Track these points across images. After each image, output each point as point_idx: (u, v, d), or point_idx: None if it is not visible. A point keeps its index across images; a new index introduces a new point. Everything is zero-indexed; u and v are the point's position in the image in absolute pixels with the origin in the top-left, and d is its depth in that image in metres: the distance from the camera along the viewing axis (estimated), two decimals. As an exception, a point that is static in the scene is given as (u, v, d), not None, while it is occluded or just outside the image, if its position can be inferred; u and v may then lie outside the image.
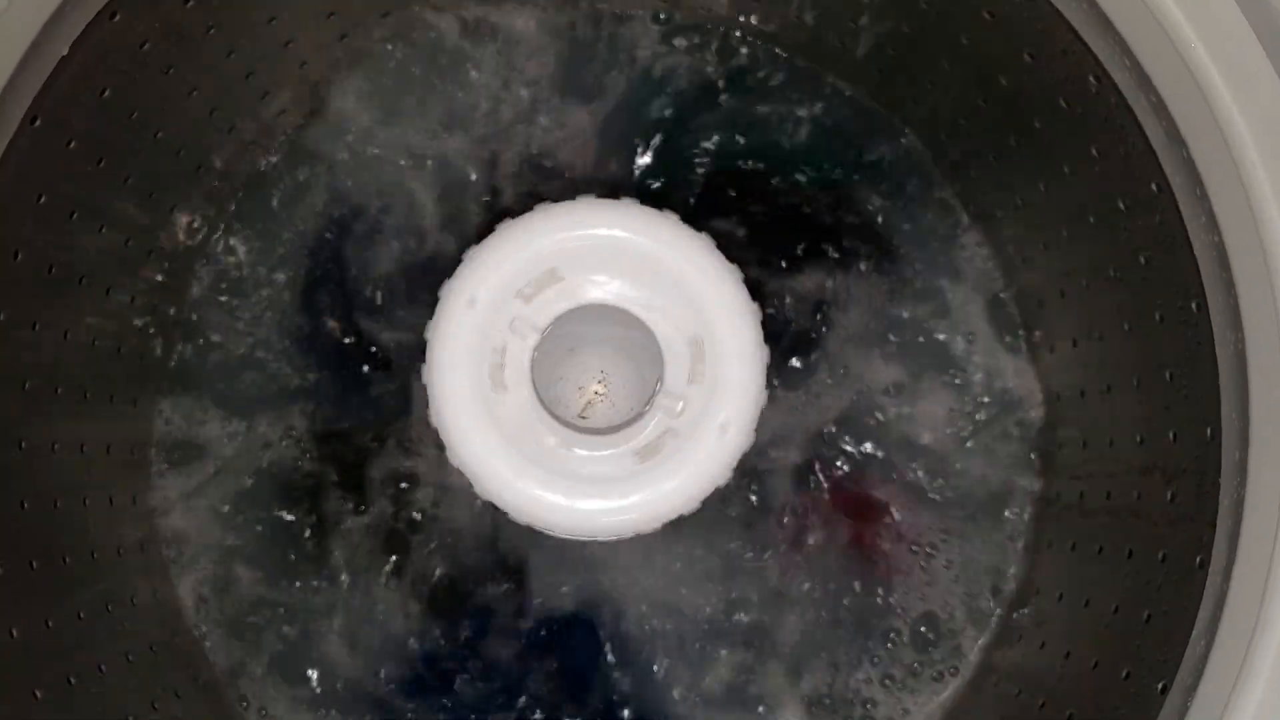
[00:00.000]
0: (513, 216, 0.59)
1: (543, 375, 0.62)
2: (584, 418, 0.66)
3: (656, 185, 0.76)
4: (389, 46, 0.77)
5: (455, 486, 0.73)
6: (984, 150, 0.72)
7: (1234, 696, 0.47)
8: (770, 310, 0.72)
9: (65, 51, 0.56)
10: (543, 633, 0.74)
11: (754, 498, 0.74)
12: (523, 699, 0.73)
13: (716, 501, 0.61)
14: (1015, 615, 0.73)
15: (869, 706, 0.74)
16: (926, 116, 0.75)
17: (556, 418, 0.59)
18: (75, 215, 0.63)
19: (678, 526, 0.60)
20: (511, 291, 0.58)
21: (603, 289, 0.59)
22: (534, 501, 0.58)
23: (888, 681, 0.74)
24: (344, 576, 0.74)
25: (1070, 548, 0.69)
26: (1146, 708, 0.53)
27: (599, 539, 0.60)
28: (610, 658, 0.73)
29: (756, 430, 0.59)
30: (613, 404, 0.67)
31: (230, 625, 0.74)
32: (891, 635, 0.74)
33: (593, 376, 0.67)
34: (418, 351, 0.60)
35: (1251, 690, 0.47)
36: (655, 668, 0.73)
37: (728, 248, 0.60)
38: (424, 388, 0.59)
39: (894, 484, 0.75)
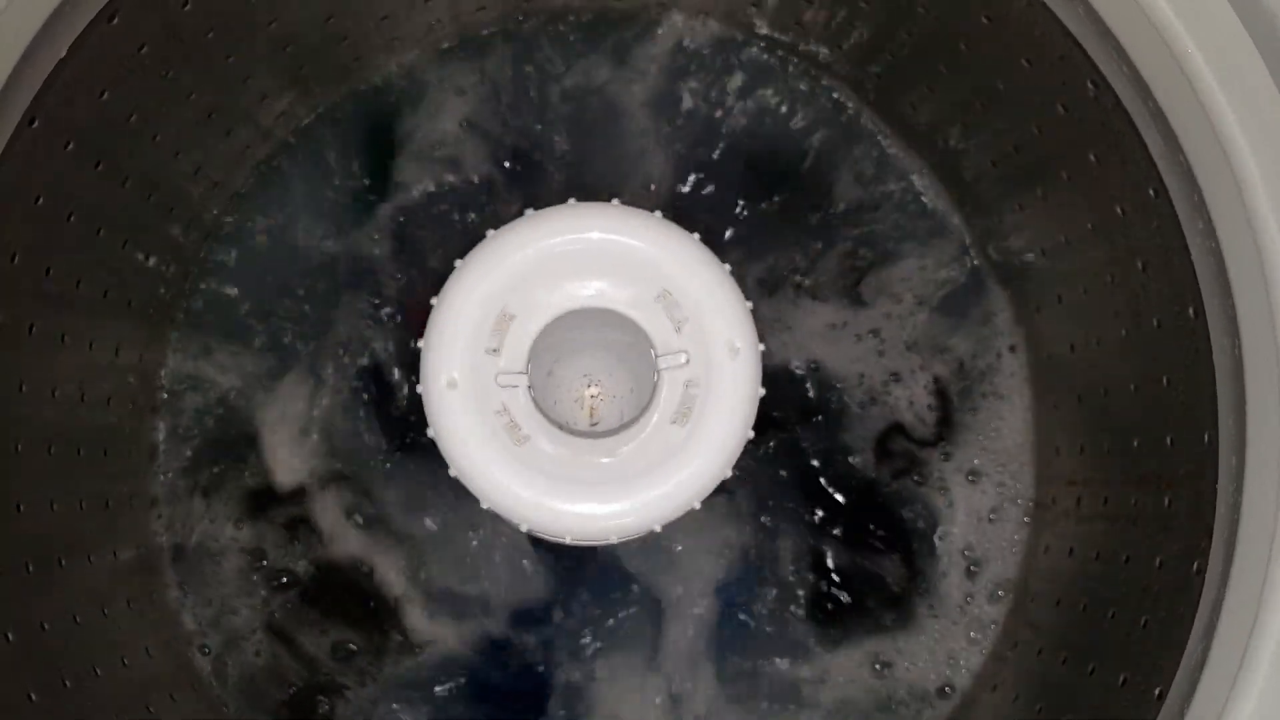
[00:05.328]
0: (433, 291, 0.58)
1: (548, 406, 0.62)
2: (594, 424, 0.66)
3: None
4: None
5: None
6: (982, 155, 0.72)
7: (1230, 702, 0.47)
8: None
9: (64, 54, 0.56)
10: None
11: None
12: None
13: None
14: (1011, 621, 0.73)
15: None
16: (924, 121, 0.75)
17: (582, 434, 0.59)
18: (73, 218, 0.63)
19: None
20: (480, 352, 0.58)
21: (554, 301, 0.58)
22: (638, 511, 0.58)
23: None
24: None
25: (1068, 553, 0.69)
26: (1143, 713, 0.53)
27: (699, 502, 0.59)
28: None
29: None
30: (615, 398, 0.67)
31: (227, 631, 0.74)
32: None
33: (584, 384, 0.66)
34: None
35: (1247, 696, 0.47)
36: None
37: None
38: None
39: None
